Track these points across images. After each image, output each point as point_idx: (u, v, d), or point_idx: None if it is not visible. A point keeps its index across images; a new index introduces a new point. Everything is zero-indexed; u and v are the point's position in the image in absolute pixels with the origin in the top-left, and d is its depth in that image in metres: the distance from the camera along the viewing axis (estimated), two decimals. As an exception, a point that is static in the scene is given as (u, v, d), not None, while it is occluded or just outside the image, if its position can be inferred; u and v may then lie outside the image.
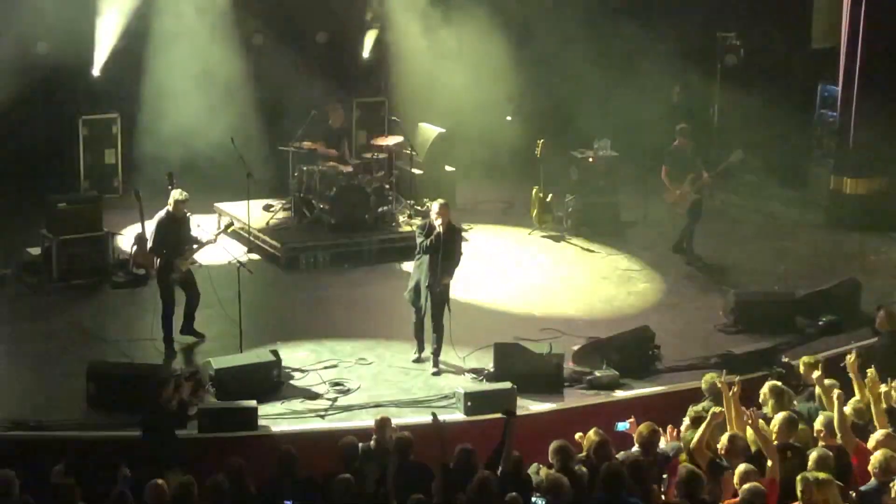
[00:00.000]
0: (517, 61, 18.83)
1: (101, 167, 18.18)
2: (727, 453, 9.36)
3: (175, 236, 13.13)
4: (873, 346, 12.33)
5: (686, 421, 10.17)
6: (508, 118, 19.38)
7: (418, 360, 13.13)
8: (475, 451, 9.59)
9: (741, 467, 8.92)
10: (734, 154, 16.41)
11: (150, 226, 13.46)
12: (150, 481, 9.00)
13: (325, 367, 12.86)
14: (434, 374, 12.88)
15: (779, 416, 9.68)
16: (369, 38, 19.29)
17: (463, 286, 14.05)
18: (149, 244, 13.43)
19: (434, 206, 13.00)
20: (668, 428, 10.28)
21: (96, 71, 17.76)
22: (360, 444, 10.12)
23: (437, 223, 12.74)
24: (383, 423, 10.39)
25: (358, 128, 19.38)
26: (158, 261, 13.23)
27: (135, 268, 15.27)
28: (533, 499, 8.89)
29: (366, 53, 19.35)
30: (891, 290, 15.21)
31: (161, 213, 13.22)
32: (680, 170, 16.23)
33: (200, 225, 13.74)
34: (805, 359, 11.32)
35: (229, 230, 14.09)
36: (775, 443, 9.41)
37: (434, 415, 10.14)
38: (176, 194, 13.18)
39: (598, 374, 12.65)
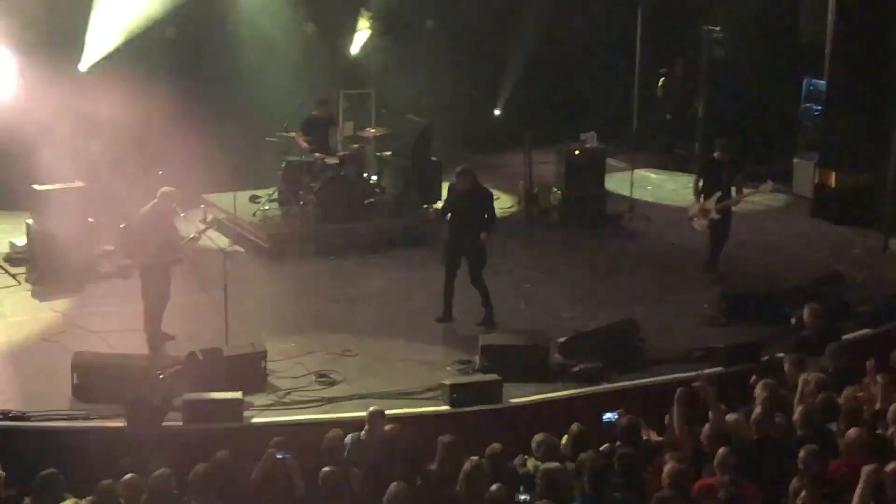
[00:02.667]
0: (503, 53, 18.90)
1: (91, 157, 18.06)
2: (710, 443, 9.42)
3: (160, 231, 12.98)
4: (802, 341, 12.29)
5: None
6: (497, 112, 19.43)
7: (440, 320, 13.78)
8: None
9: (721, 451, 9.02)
10: (764, 186, 15.48)
11: (138, 218, 13.25)
12: (125, 476, 9.01)
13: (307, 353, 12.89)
14: (481, 331, 13.45)
15: (756, 411, 9.74)
16: (360, 37, 19.23)
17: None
18: (135, 236, 13.28)
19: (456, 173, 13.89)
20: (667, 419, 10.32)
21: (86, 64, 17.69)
22: (351, 436, 10.15)
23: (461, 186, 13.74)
24: (375, 416, 10.42)
25: (345, 119, 19.36)
26: (142, 254, 13.08)
27: (120, 258, 15.27)
28: (521, 496, 8.92)
29: (354, 50, 19.31)
30: (874, 283, 15.30)
31: (146, 207, 13.13)
32: (712, 185, 15.29)
33: (185, 215, 13.68)
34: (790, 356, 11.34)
35: (212, 226, 13.86)
36: (755, 438, 9.48)
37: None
38: (164, 188, 13.11)
39: (583, 366, 12.68)
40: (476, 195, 13.82)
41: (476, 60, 20.29)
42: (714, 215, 15.25)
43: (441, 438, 9.64)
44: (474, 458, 9.09)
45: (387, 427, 10.11)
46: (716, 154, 15.45)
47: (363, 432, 10.27)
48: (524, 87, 19.81)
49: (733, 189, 15.26)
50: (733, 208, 15.52)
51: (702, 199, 15.35)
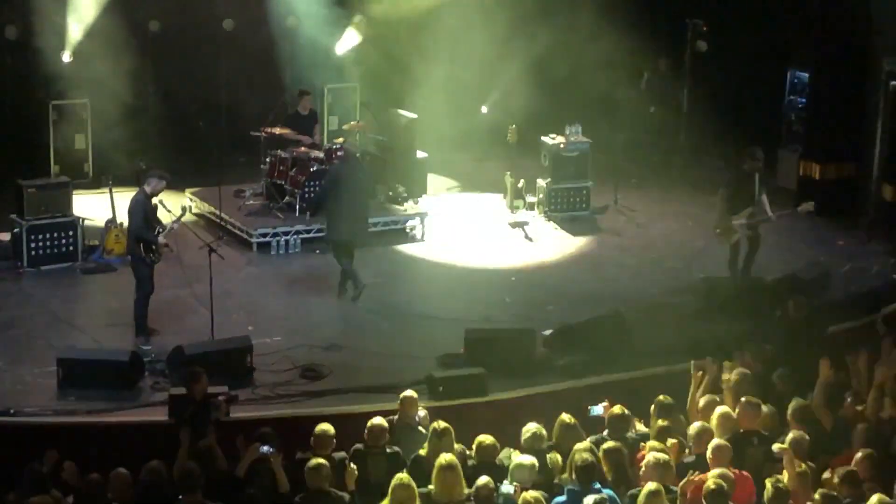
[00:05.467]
0: (491, 47, 18.82)
1: (72, 152, 18.09)
2: (696, 442, 9.45)
3: (153, 218, 12.93)
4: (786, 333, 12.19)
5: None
6: (484, 110, 19.42)
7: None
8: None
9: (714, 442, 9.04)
10: (804, 206, 14.21)
11: (131, 207, 12.96)
12: (114, 470, 9.00)
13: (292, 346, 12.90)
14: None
15: (742, 401, 9.76)
16: (349, 37, 19.16)
17: (435, 271, 14.04)
18: (131, 225, 12.96)
19: None
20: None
21: (67, 56, 17.63)
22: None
23: None
24: (409, 401, 10.34)
25: (329, 113, 19.34)
26: (141, 244, 12.83)
27: (105, 253, 15.24)
28: (503, 487, 8.93)
29: (340, 50, 19.26)
30: (858, 273, 15.35)
31: (139, 195, 13.01)
32: (742, 199, 14.09)
33: (171, 211, 13.64)
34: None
35: (184, 215, 13.72)
36: (741, 430, 9.50)
37: None
38: (154, 174, 13.03)
39: (569, 358, 12.69)
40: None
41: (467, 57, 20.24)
42: (745, 232, 14.19)
43: (434, 425, 9.64)
44: (447, 455, 9.06)
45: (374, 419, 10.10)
46: (745, 166, 14.17)
47: (395, 417, 10.21)
48: (515, 86, 19.78)
49: (766, 203, 14.11)
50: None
51: (725, 217, 14.17)
